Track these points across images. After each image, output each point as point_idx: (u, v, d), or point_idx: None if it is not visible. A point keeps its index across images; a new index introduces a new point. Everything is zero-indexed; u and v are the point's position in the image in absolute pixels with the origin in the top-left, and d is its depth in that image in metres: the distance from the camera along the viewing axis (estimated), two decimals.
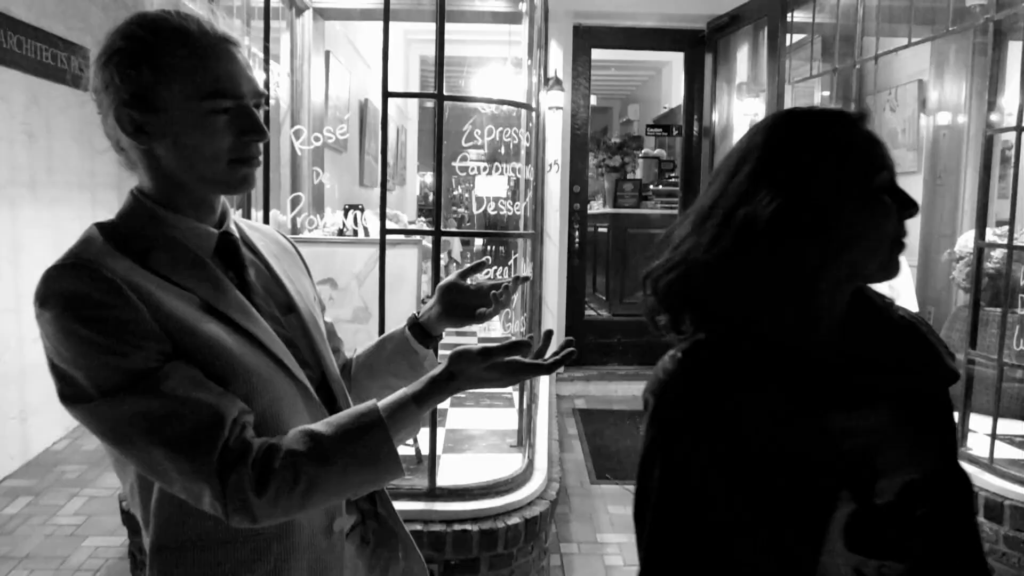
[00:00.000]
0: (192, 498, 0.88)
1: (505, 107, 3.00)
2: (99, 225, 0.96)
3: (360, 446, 0.93)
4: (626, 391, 5.57)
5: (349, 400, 1.15)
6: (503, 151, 3.04)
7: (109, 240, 0.93)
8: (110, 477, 3.89)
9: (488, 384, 1.00)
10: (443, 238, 2.79)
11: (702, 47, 5.55)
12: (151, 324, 0.88)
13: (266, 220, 2.62)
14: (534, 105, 3.11)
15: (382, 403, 0.96)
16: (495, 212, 3.02)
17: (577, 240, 5.78)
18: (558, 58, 5.35)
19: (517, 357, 0.98)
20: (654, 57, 8.93)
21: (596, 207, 7.23)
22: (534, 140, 3.13)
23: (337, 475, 0.92)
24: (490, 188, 3.07)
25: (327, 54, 4.87)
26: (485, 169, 3.08)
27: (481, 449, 3.12)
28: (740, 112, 5.27)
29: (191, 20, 0.95)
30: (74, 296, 0.87)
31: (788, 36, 4.63)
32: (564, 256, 5.65)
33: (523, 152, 3.11)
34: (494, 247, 6.36)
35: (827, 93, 5.15)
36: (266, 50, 2.60)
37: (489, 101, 2.89)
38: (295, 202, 2.98)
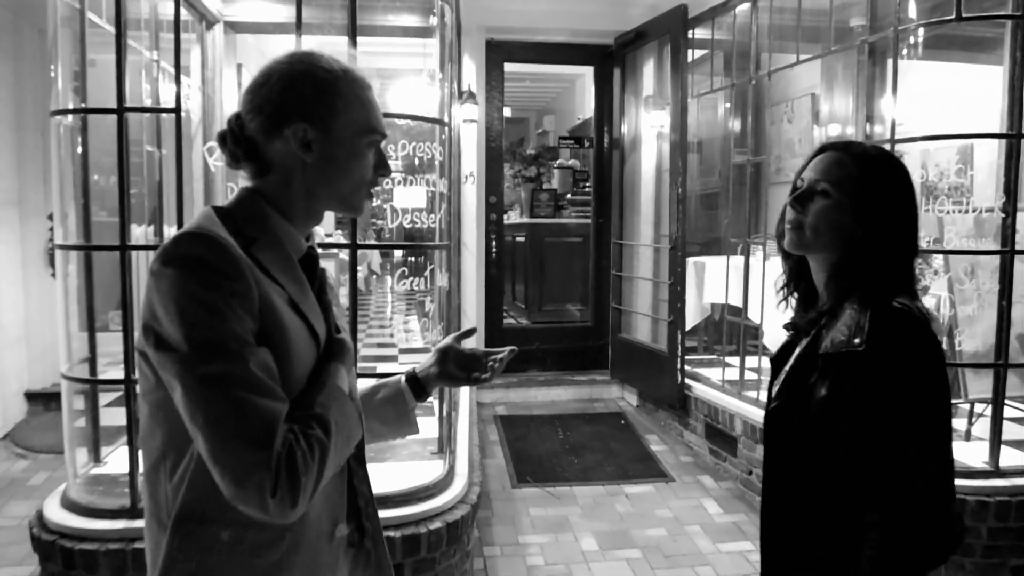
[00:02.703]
0: (237, 470, 0.91)
1: (419, 121, 3.07)
2: (215, 208, 1.07)
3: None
4: (545, 397, 5.69)
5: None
6: (417, 164, 3.11)
7: (224, 222, 1.04)
8: (16, 506, 3.75)
9: None
10: (361, 250, 2.83)
11: (611, 61, 5.74)
12: (256, 305, 0.98)
13: None
14: (446, 119, 3.18)
15: None
16: (411, 224, 3.08)
17: (495, 250, 5.88)
18: (471, 72, 5.45)
19: None
20: (568, 70, 9.11)
21: (513, 217, 7.35)
22: (447, 153, 3.20)
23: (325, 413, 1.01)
24: (408, 200, 3.12)
25: (239, 67, 4.81)
26: (400, 182, 3.13)
27: (402, 457, 3.17)
28: (647, 124, 5.48)
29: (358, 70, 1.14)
30: (199, 260, 0.96)
31: (690, 52, 4.86)
32: (482, 266, 5.74)
33: (437, 165, 3.18)
34: (413, 258, 6.39)
35: (728, 105, 5.42)
36: (177, 66, 2.60)
37: (401, 117, 2.96)
38: None
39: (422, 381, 1.37)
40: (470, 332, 1.47)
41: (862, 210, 1.21)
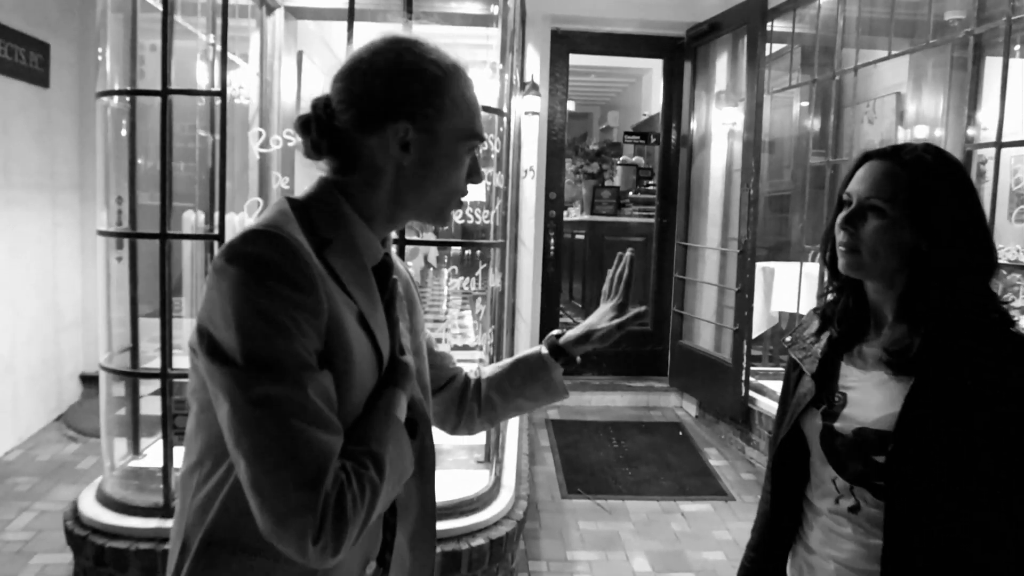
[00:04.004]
0: (279, 509, 0.80)
1: None
2: (290, 201, 0.96)
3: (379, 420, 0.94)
4: (600, 402, 5.49)
5: (434, 441, 1.13)
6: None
7: (299, 218, 0.93)
8: (64, 490, 3.75)
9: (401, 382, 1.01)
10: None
11: (681, 55, 5.49)
12: (324, 321, 0.87)
13: (222, 224, 2.51)
14: (506, 110, 3.02)
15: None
16: (462, 220, 2.93)
17: (553, 247, 5.70)
18: (535, 63, 5.27)
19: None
20: (634, 64, 8.89)
21: (573, 214, 7.17)
22: (506, 146, 3.04)
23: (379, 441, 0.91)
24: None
25: (299, 54, 4.74)
26: None
27: (447, 465, 3.02)
28: (719, 121, 5.22)
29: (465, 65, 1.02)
30: (268, 264, 0.85)
31: (768, 45, 4.59)
32: (539, 263, 5.56)
33: (494, 158, 3.02)
34: (470, 254, 6.27)
35: (806, 104, 5.13)
36: (223, 48, 2.49)
37: None
38: (252, 208, 2.87)
39: (566, 349, 1.29)
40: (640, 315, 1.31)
41: (923, 222, 1.12)
